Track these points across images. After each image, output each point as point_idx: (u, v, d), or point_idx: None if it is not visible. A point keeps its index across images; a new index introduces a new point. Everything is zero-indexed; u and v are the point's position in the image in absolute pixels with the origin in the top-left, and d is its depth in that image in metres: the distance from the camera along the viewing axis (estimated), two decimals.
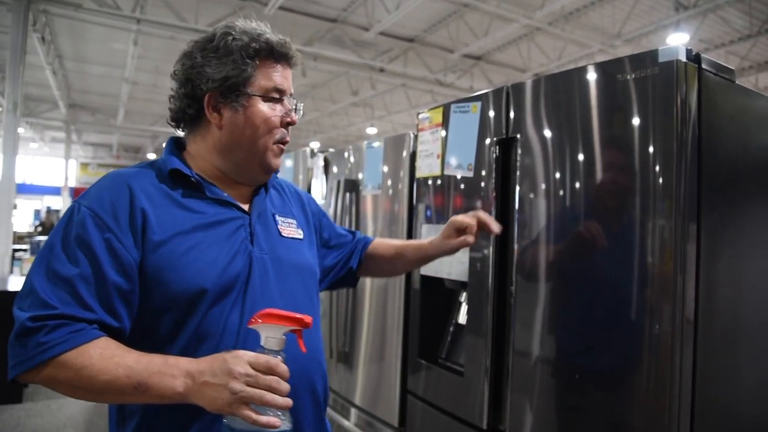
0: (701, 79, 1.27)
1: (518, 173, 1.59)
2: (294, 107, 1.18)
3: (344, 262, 1.48)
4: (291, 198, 1.33)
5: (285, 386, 0.89)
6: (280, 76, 1.13)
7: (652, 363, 1.26)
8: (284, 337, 0.92)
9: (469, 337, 1.78)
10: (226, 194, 1.12)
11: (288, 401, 0.89)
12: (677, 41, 7.26)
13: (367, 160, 2.45)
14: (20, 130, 8.87)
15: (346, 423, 2.44)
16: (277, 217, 1.20)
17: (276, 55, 1.12)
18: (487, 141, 1.71)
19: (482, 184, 1.73)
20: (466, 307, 1.84)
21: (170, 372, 0.90)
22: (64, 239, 0.96)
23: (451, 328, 1.99)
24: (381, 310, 2.31)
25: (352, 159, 2.60)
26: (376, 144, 2.40)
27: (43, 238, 8.46)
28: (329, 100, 12.73)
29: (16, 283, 5.04)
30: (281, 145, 1.16)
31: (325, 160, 2.86)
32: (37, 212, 20.42)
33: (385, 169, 2.32)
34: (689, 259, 1.24)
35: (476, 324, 1.74)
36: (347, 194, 2.53)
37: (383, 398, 2.26)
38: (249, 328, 0.94)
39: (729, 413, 1.41)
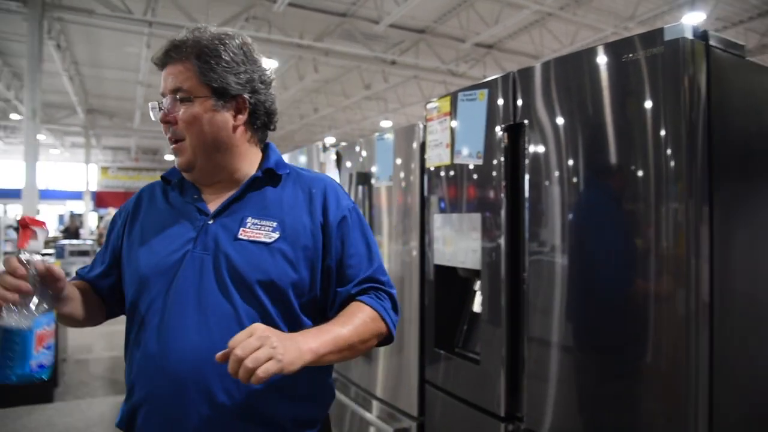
0: (710, 57, 1.26)
1: (526, 159, 1.58)
2: (159, 106, 1.21)
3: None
4: (305, 199, 1.24)
5: (8, 281, 0.96)
6: (161, 80, 1.20)
7: (668, 347, 1.25)
8: (30, 242, 1.02)
9: (485, 325, 1.78)
10: (196, 197, 1.22)
11: (6, 295, 0.95)
12: (693, 20, 7.12)
13: (379, 152, 2.45)
14: (41, 136, 9.04)
15: (368, 416, 2.45)
16: (248, 219, 1.17)
17: (158, 67, 1.22)
18: (496, 128, 1.71)
19: (493, 172, 1.72)
20: (481, 295, 1.84)
21: None
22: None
23: (467, 317, 1.99)
24: (398, 296, 2.32)
25: (363, 152, 2.61)
26: (386, 136, 2.40)
27: (68, 242, 8.62)
28: (342, 95, 12.74)
29: None
30: (173, 145, 1.20)
31: (337, 154, 2.87)
32: (60, 217, 20.78)
33: (398, 160, 2.33)
34: (702, 241, 1.23)
35: (491, 312, 1.74)
36: (360, 187, 2.54)
37: (403, 389, 2.27)
38: (169, 314, 1.10)
39: (748, 396, 1.40)
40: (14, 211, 17.52)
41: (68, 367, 5.43)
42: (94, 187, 20.31)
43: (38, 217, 1.03)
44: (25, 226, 1.02)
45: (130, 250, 1.21)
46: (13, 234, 14.57)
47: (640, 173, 1.30)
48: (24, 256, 0.99)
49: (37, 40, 6.90)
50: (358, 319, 1.13)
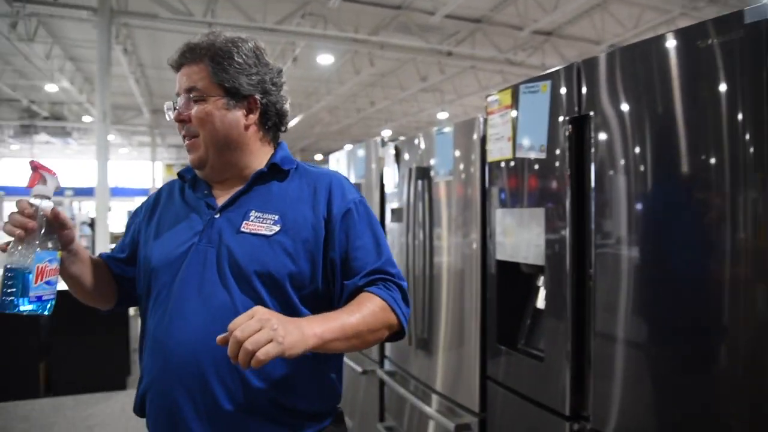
0: None
1: (593, 151, 1.53)
2: (173, 106, 1.26)
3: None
4: (310, 193, 1.25)
5: (15, 218, 1.02)
6: (176, 81, 1.26)
7: (748, 344, 1.19)
8: (32, 183, 1.08)
9: (549, 321, 1.74)
10: (206, 192, 1.28)
11: (13, 230, 1.02)
12: None
13: (438, 146, 2.43)
14: (110, 137, 9.48)
15: (427, 409, 2.45)
16: (252, 213, 1.21)
17: (174, 69, 1.27)
18: (560, 120, 1.66)
19: (556, 164, 1.68)
20: (545, 291, 1.80)
21: None
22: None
23: (530, 313, 1.96)
24: (458, 296, 2.30)
25: (422, 146, 2.60)
26: (446, 129, 2.38)
27: None
28: (398, 87, 12.72)
29: None
30: (187, 142, 1.26)
31: (396, 148, 2.87)
32: (129, 213, 21.70)
33: (457, 154, 2.30)
34: None
35: (555, 308, 1.70)
36: (419, 182, 2.53)
37: (464, 384, 2.26)
38: (172, 305, 1.16)
39: None
40: (88, 208, 18.45)
41: None
42: (159, 184, 21.11)
43: (49, 166, 1.10)
44: (34, 169, 1.08)
45: (145, 243, 1.29)
46: (87, 230, 15.45)
47: (713, 162, 1.23)
48: (33, 200, 1.06)
49: (106, 46, 7.23)
50: (366, 308, 1.12)
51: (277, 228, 1.18)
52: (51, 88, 12.42)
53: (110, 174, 7.41)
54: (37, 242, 1.05)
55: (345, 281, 1.21)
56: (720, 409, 1.24)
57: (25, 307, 1.03)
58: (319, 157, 23.67)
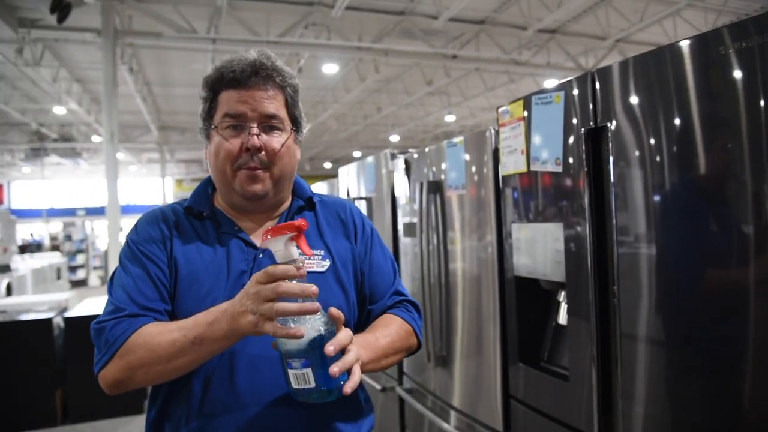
0: None
1: (612, 164, 1.47)
2: (250, 131, 1.10)
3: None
4: (339, 225, 1.26)
5: (294, 288, 0.87)
6: (235, 101, 1.11)
7: None
8: (289, 248, 0.92)
9: (572, 339, 1.69)
10: (236, 228, 1.17)
11: (303, 306, 0.87)
12: None
13: (449, 158, 2.38)
14: (120, 155, 9.54)
15: (445, 426, 2.40)
16: None
17: (228, 82, 1.12)
18: (575, 132, 1.61)
19: (573, 178, 1.62)
20: (566, 306, 1.75)
21: (214, 318, 0.95)
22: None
23: (551, 329, 1.90)
24: (475, 311, 2.25)
25: (433, 158, 2.55)
26: (456, 141, 2.33)
27: None
28: (404, 92, 12.68)
29: None
30: (249, 171, 1.11)
31: (406, 162, 2.82)
32: None
33: (469, 167, 2.25)
34: None
35: (579, 326, 1.64)
36: (431, 196, 2.48)
37: (483, 402, 2.20)
38: (234, 356, 1.05)
39: None
40: (100, 227, 18.56)
41: None
42: (170, 199, 21.23)
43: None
44: (300, 230, 0.93)
45: (181, 291, 1.11)
46: (100, 250, 15.51)
47: (739, 173, 1.18)
48: (290, 264, 0.91)
49: (112, 66, 7.25)
50: (394, 332, 1.17)
51: (327, 263, 1.17)
52: (59, 110, 12.51)
53: (121, 192, 7.44)
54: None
55: (369, 306, 1.24)
56: (759, 414, 1.18)
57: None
58: (328, 165, 23.66)
